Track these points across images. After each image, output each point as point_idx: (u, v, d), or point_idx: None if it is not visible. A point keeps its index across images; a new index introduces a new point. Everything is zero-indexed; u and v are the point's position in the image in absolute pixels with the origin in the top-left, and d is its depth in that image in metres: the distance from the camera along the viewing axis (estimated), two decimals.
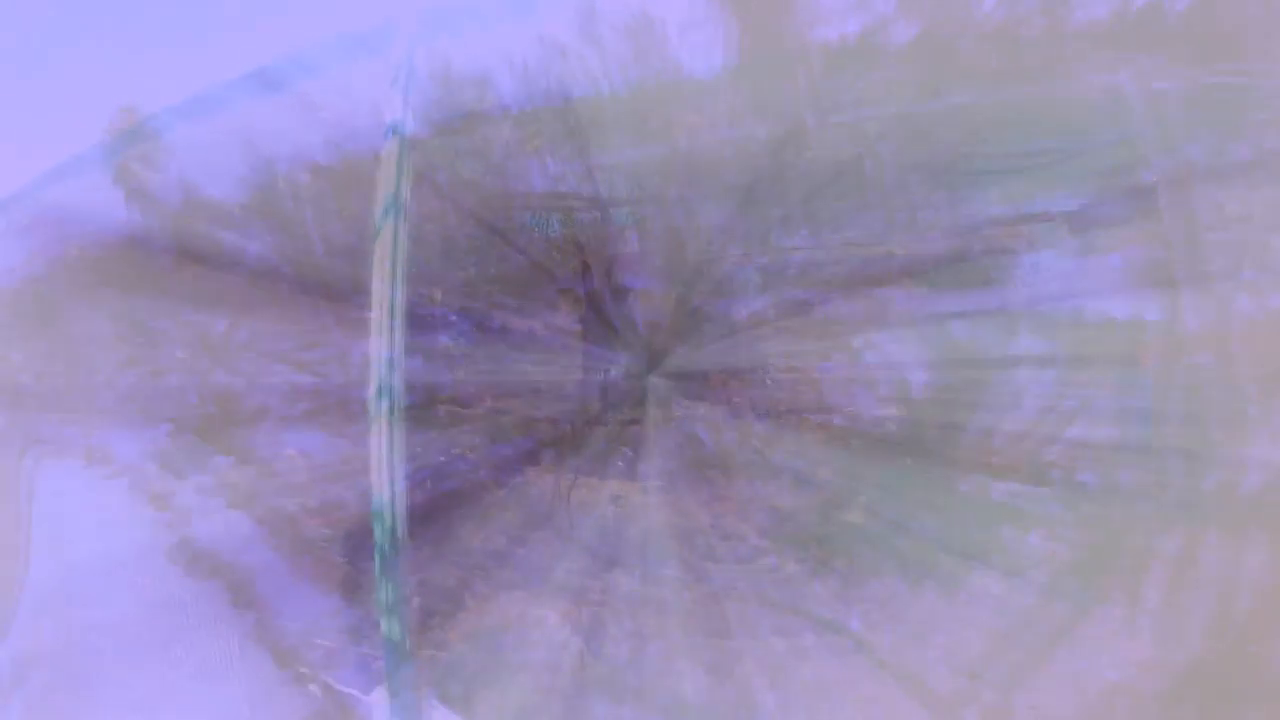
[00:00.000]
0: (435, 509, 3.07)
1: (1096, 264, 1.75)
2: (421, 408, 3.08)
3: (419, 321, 3.16)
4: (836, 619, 2.08)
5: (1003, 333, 1.81)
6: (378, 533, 2.62)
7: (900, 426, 1.98)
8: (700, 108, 2.27)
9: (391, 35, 2.95)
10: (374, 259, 2.81)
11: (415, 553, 2.90)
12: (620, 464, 2.76)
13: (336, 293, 2.95)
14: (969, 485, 1.89)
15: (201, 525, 2.98)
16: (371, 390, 2.74)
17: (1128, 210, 1.73)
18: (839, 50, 1.98)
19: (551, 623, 2.60)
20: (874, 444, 2.07)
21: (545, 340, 3.03)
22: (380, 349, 2.79)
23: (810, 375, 2.17)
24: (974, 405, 1.86)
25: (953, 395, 1.90)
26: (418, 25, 3.01)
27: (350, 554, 2.82)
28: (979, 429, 1.85)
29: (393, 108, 2.93)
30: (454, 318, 3.21)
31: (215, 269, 3.13)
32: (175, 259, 3.27)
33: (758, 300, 2.20)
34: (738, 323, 2.26)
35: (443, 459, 3.06)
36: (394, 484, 2.64)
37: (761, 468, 2.16)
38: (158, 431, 3.13)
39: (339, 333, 2.96)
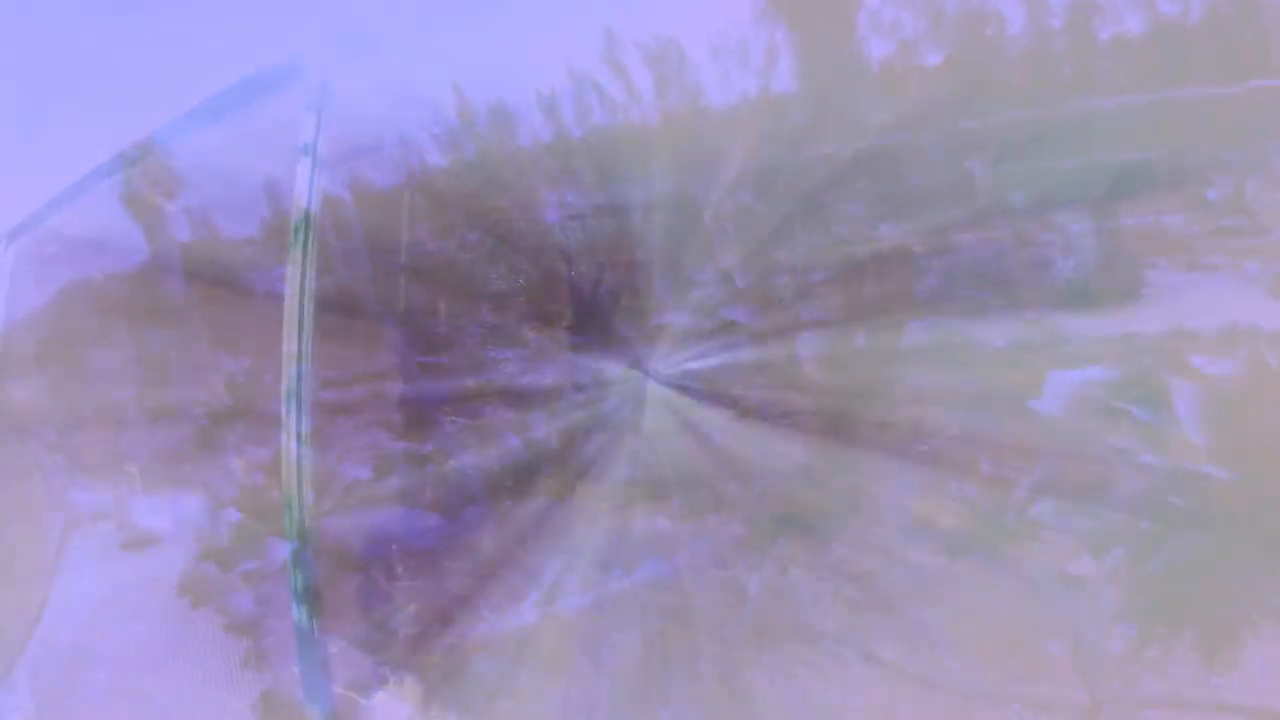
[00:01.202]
0: (438, 515, 3.10)
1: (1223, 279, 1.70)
2: (426, 417, 3.14)
3: (422, 333, 3.23)
4: (849, 638, 1.90)
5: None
6: (287, 523, 2.66)
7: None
8: (725, 130, 2.27)
9: (307, 63, 3.09)
10: (286, 273, 2.91)
11: (418, 560, 2.93)
12: (619, 468, 2.76)
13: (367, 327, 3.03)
14: None
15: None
16: (283, 392, 2.81)
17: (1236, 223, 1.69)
18: (870, 73, 2.03)
19: (554, 630, 2.55)
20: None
21: (545, 348, 3.06)
22: (290, 355, 2.86)
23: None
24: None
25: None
26: (333, 51, 3.15)
27: (362, 565, 2.88)
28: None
29: (307, 129, 3.06)
30: (457, 329, 3.27)
31: (232, 301, 3.31)
32: (190, 291, 3.37)
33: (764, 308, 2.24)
34: (741, 328, 2.29)
35: (447, 467, 3.11)
36: (301, 477, 2.68)
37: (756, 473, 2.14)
38: (195, 503, 3.22)
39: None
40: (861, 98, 2.03)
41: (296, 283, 2.94)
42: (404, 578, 2.96)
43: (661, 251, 2.48)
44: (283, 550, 2.74)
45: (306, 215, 2.98)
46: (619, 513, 2.52)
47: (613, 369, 2.73)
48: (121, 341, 3.60)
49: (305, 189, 3.02)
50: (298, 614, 2.58)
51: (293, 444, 2.74)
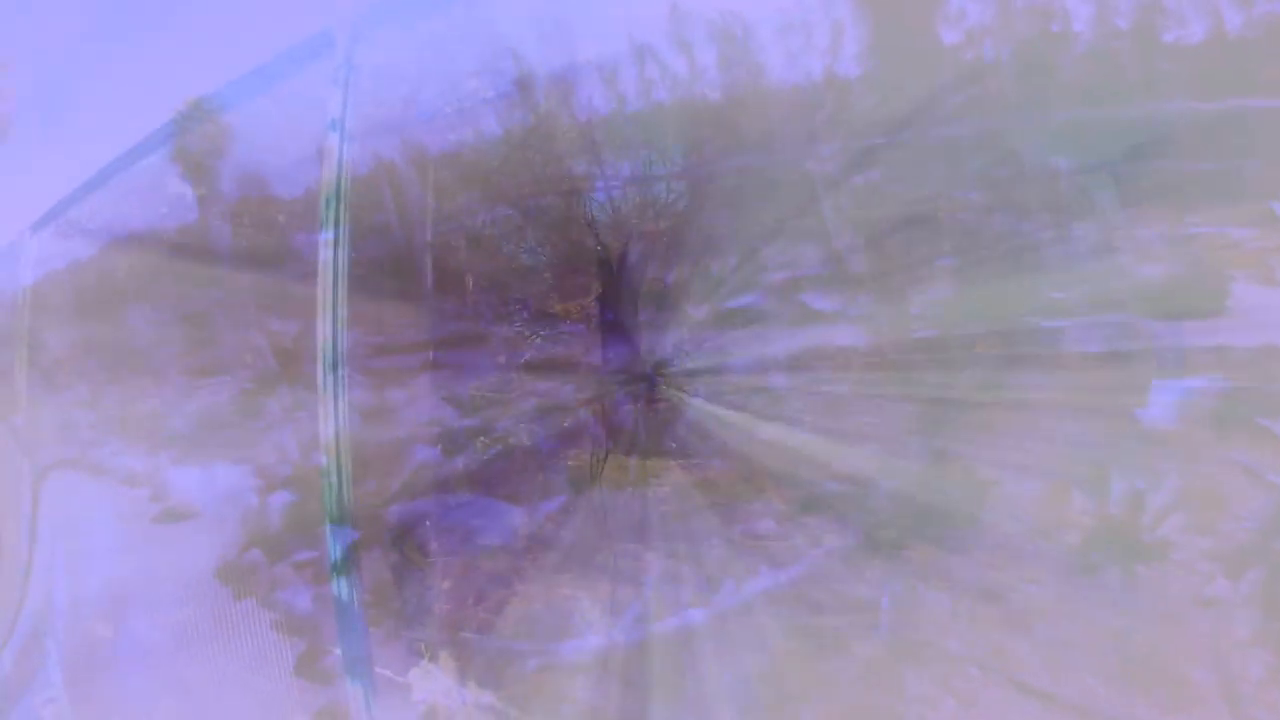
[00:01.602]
0: (466, 488, 3.07)
1: None
2: (452, 393, 3.10)
3: (452, 309, 3.17)
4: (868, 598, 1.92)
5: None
6: (325, 497, 2.64)
7: None
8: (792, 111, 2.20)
9: (331, 35, 3.03)
10: (319, 246, 2.88)
11: (448, 535, 2.91)
12: (647, 444, 2.72)
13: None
14: None
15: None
16: (319, 366, 2.79)
17: None
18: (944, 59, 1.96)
19: (587, 603, 2.57)
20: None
21: (572, 326, 3.01)
22: (325, 329, 2.84)
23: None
24: None
25: None
26: (356, 24, 3.09)
27: (398, 542, 2.85)
28: None
29: (334, 104, 3.01)
30: (485, 305, 3.23)
31: (276, 266, 3.26)
32: (235, 254, 3.30)
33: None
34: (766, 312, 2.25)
35: (474, 441, 3.07)
36: (340, 449, 2.67)
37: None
38: (237, 476, 3.12)
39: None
40: (936, 84, 1.98)
41: (330, 259, 2.92)
42: (448, 559, 2.94)
43: (734, 233, 2.39)
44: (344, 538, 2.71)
45: (338, 189, 2.96)
46: (715, 510, 2.42)
47: (690, 354, 2.64)
48: (163, 296, 3.53)
49: (335, 164, 3.00)
50: (337, 588, 2.58)
51: (331, 415, 2.73)
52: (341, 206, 2.93)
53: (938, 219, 1.99)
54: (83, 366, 3.72)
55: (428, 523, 3.00)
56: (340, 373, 2.78)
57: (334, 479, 2.63)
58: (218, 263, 3.31)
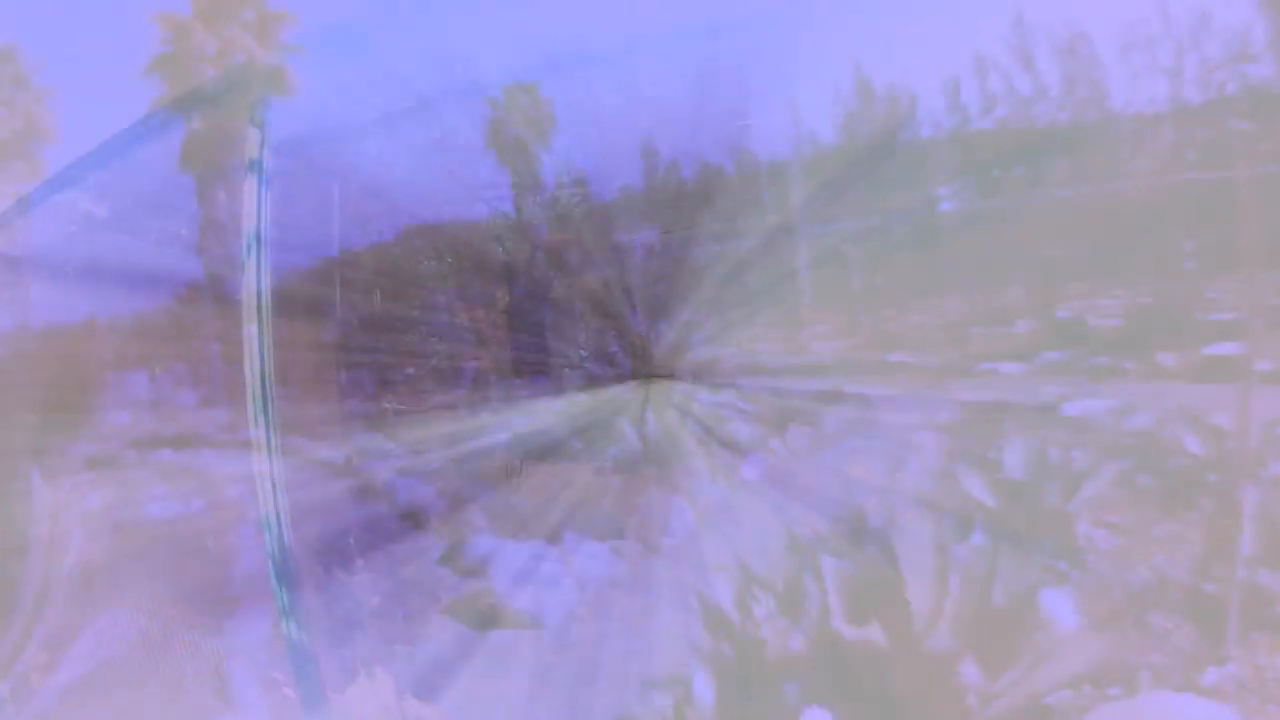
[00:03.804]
0: (401, 508, 3.07)
1: None
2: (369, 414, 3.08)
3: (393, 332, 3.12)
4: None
5: None
6: (267, 542, 2.71)
7: None
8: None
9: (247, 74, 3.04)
10: (241, 292, 2.91)
11: (381, 551, 2.99)
12: (576, 450, 2.75)
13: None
14: None
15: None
16: (250, 413, 2.83)
17: None
18: None
19: (519, 612, 2.72)
20: None
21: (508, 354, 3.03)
22: (252, 377, 2.87)
23: None
24: None
25: None
26: (271, 67, 3.11)
27: (324, 560, 2.93)
28: None
29: (251, 146, 3.04)
30: (417, 324, 3.20)
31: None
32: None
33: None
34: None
35: (410, 459, 3.07)
36: (277, 496, 2.73)
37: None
38: None
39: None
40: None
41: (253, 301, 2.94)
42: (367, 571, 2.97)
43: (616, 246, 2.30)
44: None
45: (258, 233, 2.98)
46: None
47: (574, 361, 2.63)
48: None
49: (254, 206, 3.01)
50: (287, 628, 2.65)
51: (268, 465, 2.78)
52: (262, 249, 2.95)
53: None
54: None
55: (351, 540, 3.04)
56: (271, 413, 2.82)
57: (274, 526, 2.68)
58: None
